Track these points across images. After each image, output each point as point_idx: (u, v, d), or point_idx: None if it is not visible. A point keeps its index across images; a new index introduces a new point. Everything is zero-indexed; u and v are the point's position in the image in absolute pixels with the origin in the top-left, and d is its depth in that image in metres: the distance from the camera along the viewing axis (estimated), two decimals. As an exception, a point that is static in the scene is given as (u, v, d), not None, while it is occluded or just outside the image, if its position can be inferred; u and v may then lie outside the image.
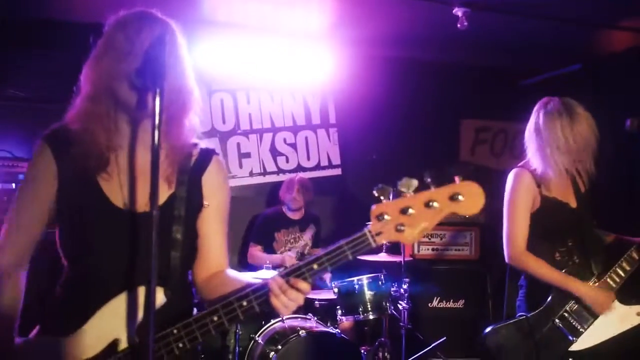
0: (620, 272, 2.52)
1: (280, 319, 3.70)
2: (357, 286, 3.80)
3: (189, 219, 1.61)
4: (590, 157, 2.61)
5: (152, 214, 1.28)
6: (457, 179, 1.40)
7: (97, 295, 1.52)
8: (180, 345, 1.48)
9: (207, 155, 1.68)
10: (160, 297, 1.51)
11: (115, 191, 1.56)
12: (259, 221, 4.75)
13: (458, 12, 4.10)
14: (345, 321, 3.91)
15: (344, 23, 4.60)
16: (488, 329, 2.57)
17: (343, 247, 1.45)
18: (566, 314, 2.50)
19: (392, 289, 3.97)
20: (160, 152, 1.51)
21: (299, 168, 5.17)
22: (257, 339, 3.69)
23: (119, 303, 1.51)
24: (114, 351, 1.50)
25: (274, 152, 5.16)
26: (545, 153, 2.57)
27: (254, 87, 5.11)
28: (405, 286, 4.05)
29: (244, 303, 1.47)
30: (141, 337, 1.48)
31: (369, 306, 3.78)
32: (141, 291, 1.51)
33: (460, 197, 1.37)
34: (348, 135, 5.35)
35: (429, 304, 4.79)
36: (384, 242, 1.45)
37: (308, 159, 5.25)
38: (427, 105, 5.44)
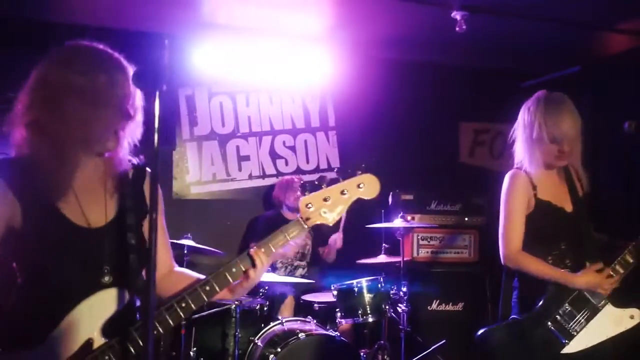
0: (614, 275, 2.50)
1: (279, 321, 3.70)
2: (356, 289, 3.81)
3: (139, 227, 1.77)
4: (576, 154, 2.58)
5: (152, 217, 1.38)
6: (358, 172, 1.94)
7: (63, 304, 1.61)
8: (155, 332, 1.63)
9: (141, 168, 1.84)
10: (126, 297, 1.69)
11: (75, 212, 1.67)
12: (260, 224, 4.74)
13: (457, 15, 4.11)
14: (345, 324, 3.92)
15: (343, 25, 4.61)
16: (481, 331, 2.57)
17: (282, 233, 1.84)
18: (559, 317, 2.48)
19: (391, 291, 3.97)
20: (99, 167, 1.74)
21: (298, 171, 5.17)
22: (256, 341, 3.69)
23: (87, 307, 1.62)
24: (89, 350, 1.61)
25: (274, 155, 5.16)
26: (524, 143, 2.57)
27: (253, 89, 5.12)
28: (404, 289, 4.06)
29: (207, 287, 1.73)
30: (123, 333, 1.64)
31: (368, 309, 3.79)
32: (106, 293, 1.66)
33: (362, 186, 1.92)
34: (347, 138, 5.35)
35: (428, 307, 4.78)
36: (313, 224, 1.87)
37: (307, 161, 5.25)
38: (426, 108, 5.44)
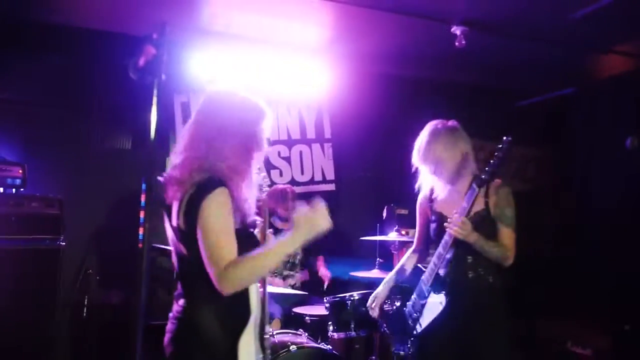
0: None
1: (270, 333, 3.62)
2: (349, 302, 3.74)
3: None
4: (449, 170, 2.85)
5: (146, 226, 1.43)
6: None
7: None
8: None
9: None
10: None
11: None
12: None
13: (456, 30, 4.12)
14: (337, 337, 3.84)
15: (342, 38, 4.60)
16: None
17: None
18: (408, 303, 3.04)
19: (385, 306, 3.91)
20: None
21: (293, 182, 5.12)
22: (246, 353, 3.60)
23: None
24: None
25: (268, 166, 5.12)
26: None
27: (249, 99, 5.07)
28: (398, 303, 3.99)
29: None
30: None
31: (360, 323, 3.72)
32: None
33: None
34: (343, 151, 5.32)
35: (421, 323, 4.72)
36: None
37: (302, 173, 5.21)
38: (422, 124, 5.42)
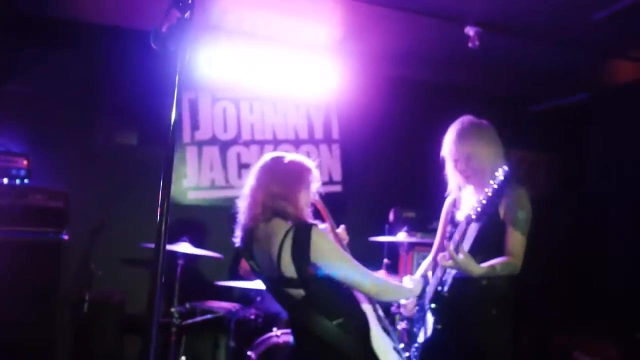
0: None
1: (274, 333, 3.56)
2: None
3: None
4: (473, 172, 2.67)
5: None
6: None
7: None
8: None
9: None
10: None
11: None
12: None
13: (470, 31, 4.05)
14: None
15: (352, 36, 4.55)
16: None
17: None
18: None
19: (392, 307, 3.84)
20: None
21: (299, 182, 5.06)
22: (249, 353, 3.54)
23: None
24: None
25: (274, 165, 5.05)
26: None
27: (257, 97, 5.03)
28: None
29: None
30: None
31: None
32: None
33: None
34: (350, 152, 5.26)
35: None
36: None
37: (309, 173, 5.15)
38: (432, 127, 5.34)
